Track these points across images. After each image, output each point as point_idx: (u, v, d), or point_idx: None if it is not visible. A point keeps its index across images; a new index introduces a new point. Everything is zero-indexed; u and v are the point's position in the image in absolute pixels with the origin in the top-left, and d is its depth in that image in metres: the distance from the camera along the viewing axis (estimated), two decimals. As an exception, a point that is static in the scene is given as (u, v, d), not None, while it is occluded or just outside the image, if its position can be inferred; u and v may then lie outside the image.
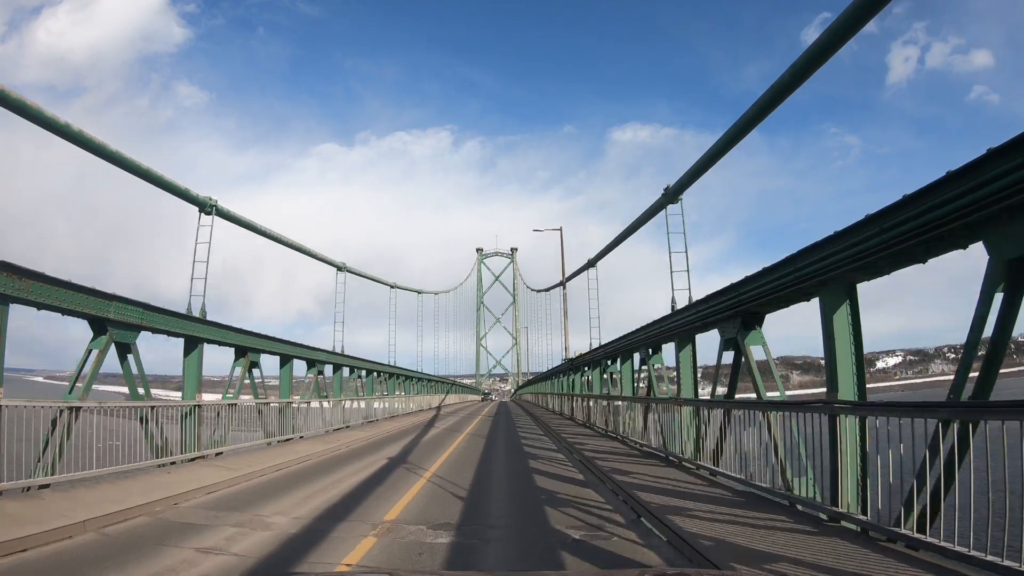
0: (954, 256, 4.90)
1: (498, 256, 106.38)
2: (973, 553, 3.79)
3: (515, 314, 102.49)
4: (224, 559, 4.87)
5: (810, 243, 6.25)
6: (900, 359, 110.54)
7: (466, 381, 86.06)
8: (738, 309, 7.83)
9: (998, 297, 4.41)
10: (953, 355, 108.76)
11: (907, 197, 4.85)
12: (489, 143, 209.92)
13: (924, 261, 5.12)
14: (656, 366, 12.82)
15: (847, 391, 5.95)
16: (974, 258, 4.71)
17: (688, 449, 9.15)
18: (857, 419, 5.35)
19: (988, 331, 4.60)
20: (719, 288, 8.65)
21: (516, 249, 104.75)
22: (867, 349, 6.35)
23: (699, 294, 11.43)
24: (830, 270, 5.89)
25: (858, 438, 5.38)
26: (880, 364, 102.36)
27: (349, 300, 24.91)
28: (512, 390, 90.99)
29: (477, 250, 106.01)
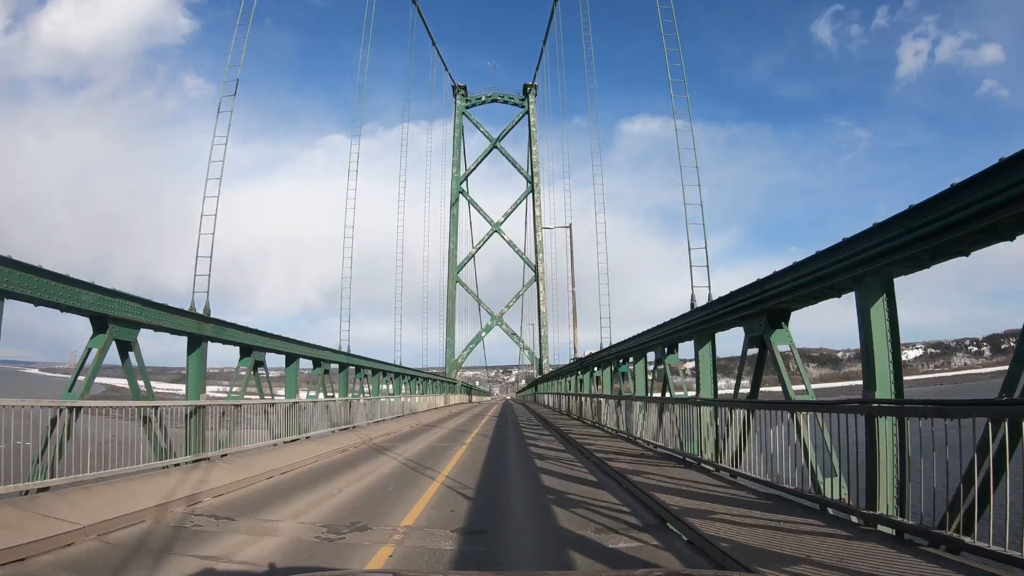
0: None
1: (496, 103, 52.35)
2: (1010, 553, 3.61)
3: (533, 212, 49.24)
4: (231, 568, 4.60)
5: (844, 237, 5.92)
6: (921, 352, 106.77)
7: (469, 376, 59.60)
8: (764, 307, 7.52)
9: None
10: (976, 348, 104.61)
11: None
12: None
13: (967, 254, 4.93)
14: (673, 365, 12.45)
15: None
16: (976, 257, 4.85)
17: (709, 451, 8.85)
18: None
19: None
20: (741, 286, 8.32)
21: (534, 88, 50.02)
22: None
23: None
24: (866, 264, 5.58)
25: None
26: (902, 357, 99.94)
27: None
28: (522, 383, 57.90)
29: (455, 90, 50.83)
